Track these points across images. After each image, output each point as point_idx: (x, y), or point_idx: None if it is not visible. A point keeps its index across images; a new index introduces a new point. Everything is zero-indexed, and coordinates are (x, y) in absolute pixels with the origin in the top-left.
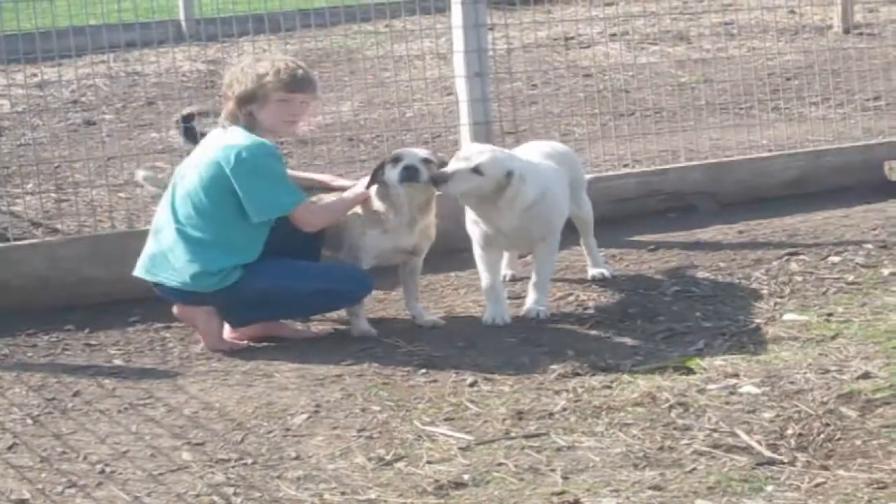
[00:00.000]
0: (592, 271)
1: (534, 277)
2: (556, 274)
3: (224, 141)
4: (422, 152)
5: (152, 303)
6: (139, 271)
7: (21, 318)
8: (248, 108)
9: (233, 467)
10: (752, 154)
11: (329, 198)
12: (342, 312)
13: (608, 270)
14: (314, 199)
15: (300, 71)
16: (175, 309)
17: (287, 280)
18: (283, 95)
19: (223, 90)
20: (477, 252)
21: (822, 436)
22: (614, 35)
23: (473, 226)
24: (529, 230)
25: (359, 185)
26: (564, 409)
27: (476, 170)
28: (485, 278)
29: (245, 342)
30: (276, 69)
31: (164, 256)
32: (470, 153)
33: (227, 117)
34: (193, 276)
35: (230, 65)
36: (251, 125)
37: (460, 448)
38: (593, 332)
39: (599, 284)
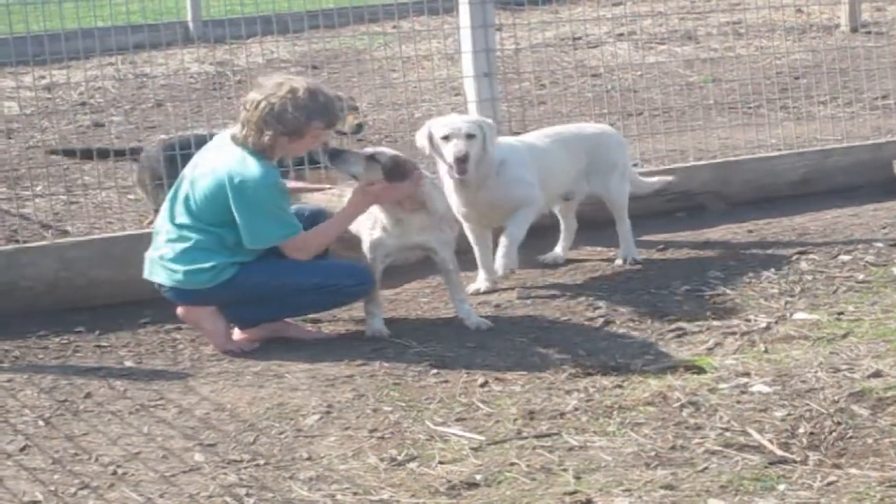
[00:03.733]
0: (622, 255)
1: (503, 234)
2: (565, 273)
3: (233, 162)
4: (369, 150)
5: (162, 304)
6: (145, 273)
7: (31, 320)
8: (283, 139)
9: (245, 468)
10: (760, 153)
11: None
12: (353, 312)
13: (634, 256)
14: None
15: (339, 106)
16: (179, 311)
17: (282, 276)
18: (324, 132)
19: (255, 117)
20: (465, 228)
21: (833, 434)
22: (622, 35)
23: (452, 204)
24: (494, 202)
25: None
26: (576, 409)
27: None
28: (476, 250)
29: (256, 343)
30: (323, 107)
31: (161, 257)
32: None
33: (247, 140)
34: (187, 273)
35: (264, 92)
36: (269, 150)
37: (472, 448)
38: (604, 332)
39: (619, 277)
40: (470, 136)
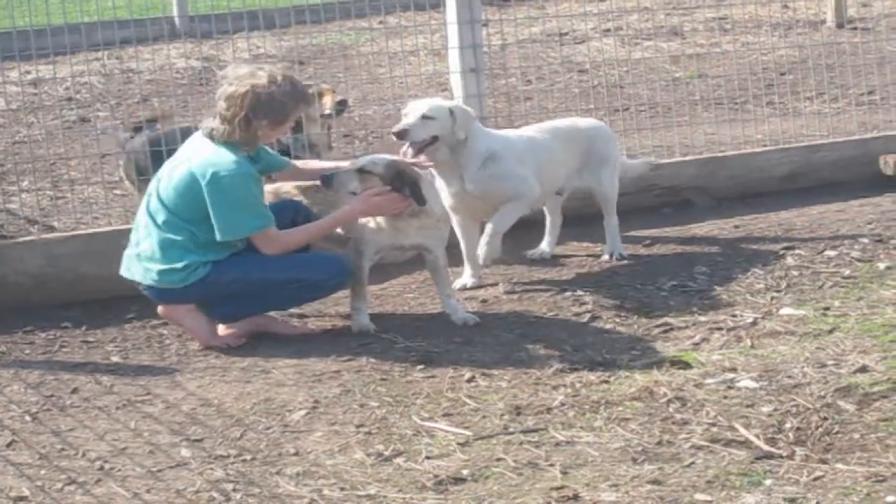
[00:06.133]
0: (608, 251)
1: (489, 225)
2: (551, 269)
3: (207, 155)
4: (361, 161)
5: (148, 300)
6: (121, 270)
7: (18, 315)
8: (267, 127)
9: (232, 463)
10: (746, 149)
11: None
12: (339, 307)
13: (620, 251)
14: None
15: (308, 87)
16: (160, 309)
17: (256, 273)
18: (298, 114)
19: (241, 110)
20: (453, 222)
21: (820, 429)
22: (608, 30)
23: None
24: (480, 195)
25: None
26: (562, 404)
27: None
28: (462, 245)
29: (241, 339)
30: (302, 90)
31: (138, 255)
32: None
33: (232, 135)
34: (160, 273)
35: (242, 84)
36: (253, 141)
37: (459, 443)
38: (590, 328)
39: (606, 273)
40: (427, 118)
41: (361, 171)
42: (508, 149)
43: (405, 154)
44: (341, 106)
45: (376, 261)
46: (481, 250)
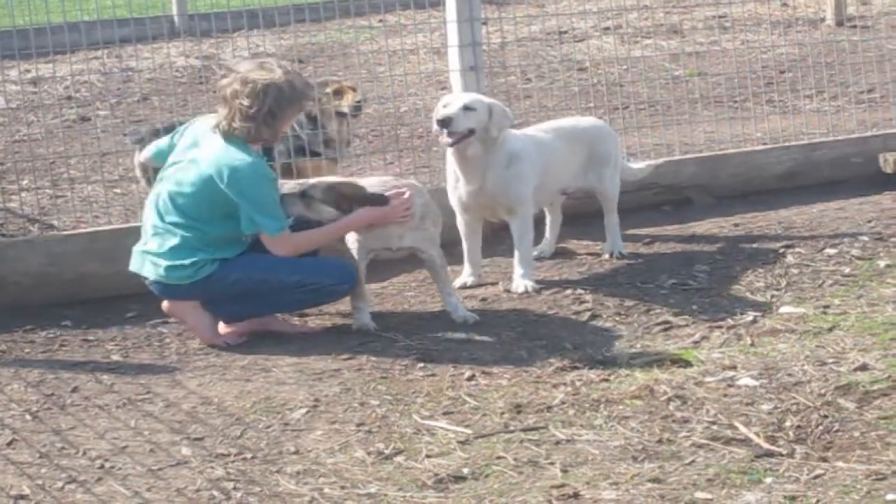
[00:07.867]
0: (608, 249)
1: (516, 254)
2: (551, 267)
3: (221, 154)
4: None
5: (149, 298)
6: (131, 265)
7: (18, 314)
8: (286, 120)
9: (232, 462)
10: (746, 147)
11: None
12: (340, 306)
13: (620, 250)
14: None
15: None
16: (164, 305)
17: (263, 273)
18: (306, 105)
19: (267, 105)
20: (458, 220)
21: (820, 428)
22: (607, 29)
23: (452, 193)
24: (498, 194)
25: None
26: (563, 403)
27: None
28: (465, 244)
29: (242, 337)
30: (306, 80)
31: (147, 251)
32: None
33: (258, 132)
34: (168, 269)
35: (260, 77)
36: (269, 136)
37: (459, 442)
38: (590, 326)
39: (606, 271)
40: (468, 109)
41: (304, 195)
42: (525, 151)
43: (443, 143)
44: (357, 107)
45: (370, 259)
46: (519, 283)
